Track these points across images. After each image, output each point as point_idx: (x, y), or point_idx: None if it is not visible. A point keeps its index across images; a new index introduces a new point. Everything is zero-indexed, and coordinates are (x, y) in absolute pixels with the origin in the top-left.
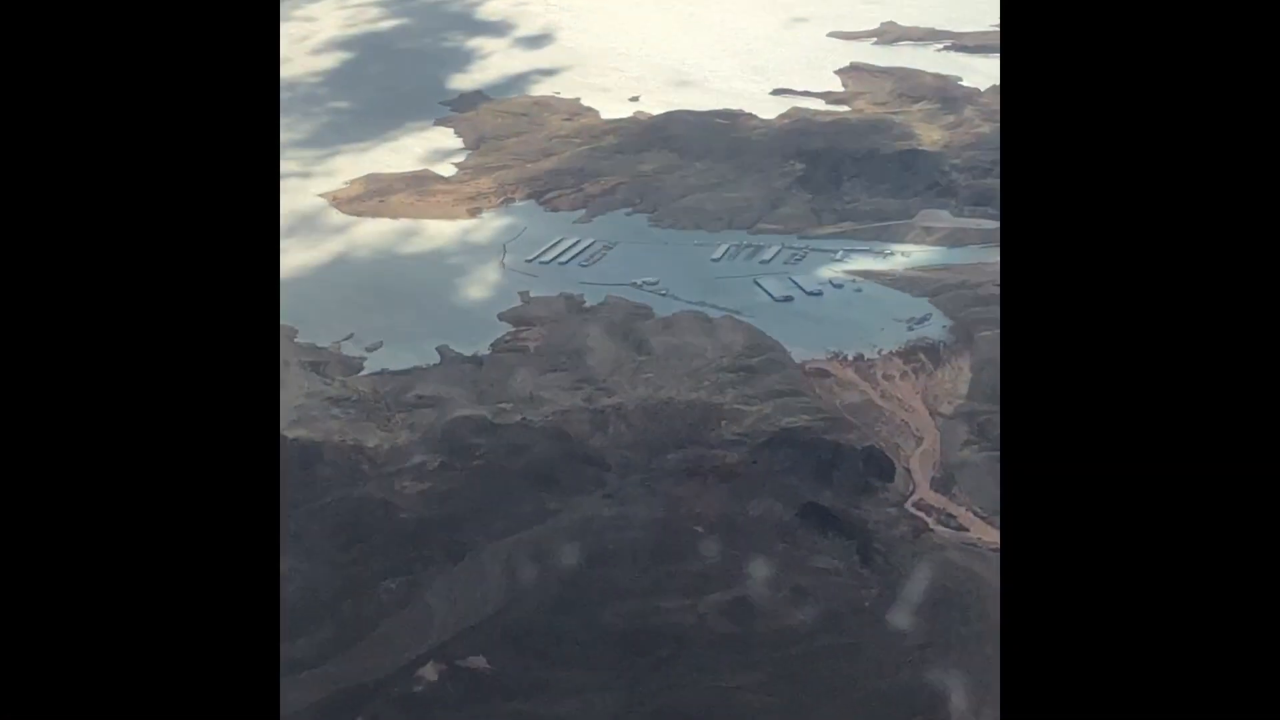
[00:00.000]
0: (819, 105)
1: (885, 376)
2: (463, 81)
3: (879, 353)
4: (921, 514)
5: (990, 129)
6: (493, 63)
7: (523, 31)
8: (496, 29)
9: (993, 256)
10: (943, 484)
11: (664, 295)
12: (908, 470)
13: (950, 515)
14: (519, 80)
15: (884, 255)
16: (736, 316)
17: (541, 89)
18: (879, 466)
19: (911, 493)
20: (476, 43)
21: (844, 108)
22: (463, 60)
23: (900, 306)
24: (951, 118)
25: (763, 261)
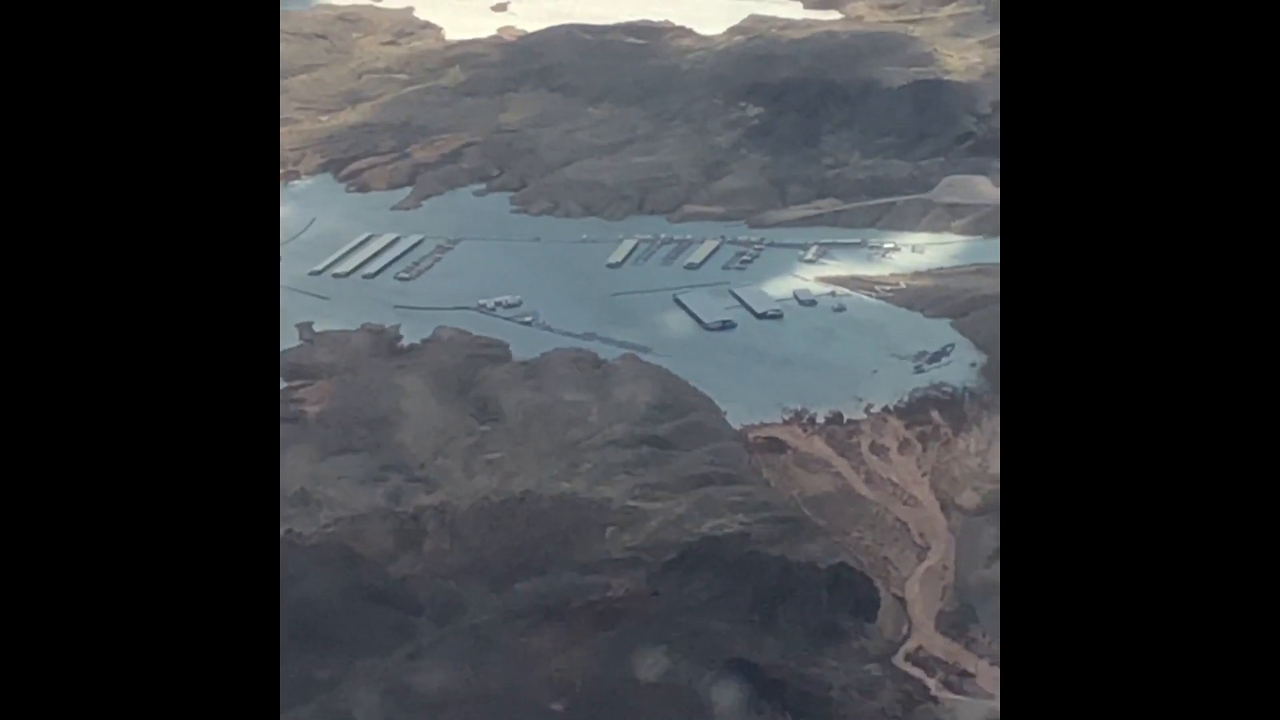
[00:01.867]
0: (790, 12)
1: (875, 449)
2: None
3: (867, 410)
4: (920, 671)
5: None
6: None
7: None
8: None
9: None
10: (956, 622)
11: (528, 324)
12: (901, 601)
13: (966, 673)
14: None
15: (883, 252)
16: (642, 356)
17: None
18: (854, 596)
19: (906, 638)
20: None
21: (830, 14)
22: None
23: (906, 334)
24: (998, 29)
25: (690, 266)
